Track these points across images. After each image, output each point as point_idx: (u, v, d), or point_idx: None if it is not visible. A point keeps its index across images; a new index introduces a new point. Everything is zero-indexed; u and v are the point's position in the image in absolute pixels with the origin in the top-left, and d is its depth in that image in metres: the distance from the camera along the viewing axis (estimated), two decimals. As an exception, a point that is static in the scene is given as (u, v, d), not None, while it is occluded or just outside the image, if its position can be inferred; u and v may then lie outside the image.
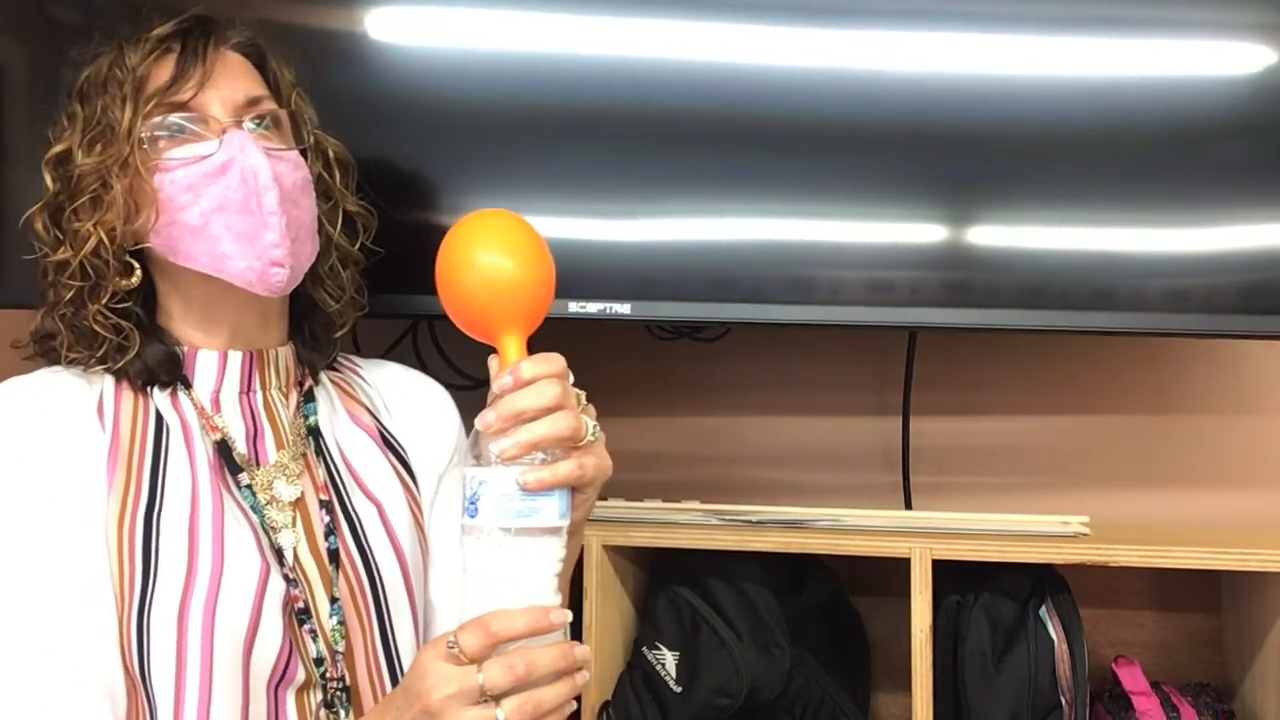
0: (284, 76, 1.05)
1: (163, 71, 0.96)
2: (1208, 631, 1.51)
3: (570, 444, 0.85)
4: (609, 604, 1.38)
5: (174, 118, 0.96)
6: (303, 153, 1.02)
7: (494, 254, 0.89)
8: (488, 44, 1.33)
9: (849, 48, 1.30)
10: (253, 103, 0.99)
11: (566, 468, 0.84)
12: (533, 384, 0.85)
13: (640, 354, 1.61)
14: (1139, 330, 1.31)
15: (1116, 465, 1.55)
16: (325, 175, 1.05)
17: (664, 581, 1.42)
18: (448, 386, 1.52)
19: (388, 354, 1.56)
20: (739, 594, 1.38)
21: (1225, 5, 1.27)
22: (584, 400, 0.89)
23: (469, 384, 1.53)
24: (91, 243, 0.94)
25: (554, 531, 0.84)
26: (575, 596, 1.34)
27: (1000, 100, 1.28)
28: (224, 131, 0.95)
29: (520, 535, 0.83)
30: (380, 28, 1.34)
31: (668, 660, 1.38)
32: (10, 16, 1.37)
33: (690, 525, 1.39)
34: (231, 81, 0.98)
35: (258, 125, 0.98)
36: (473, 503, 0.84)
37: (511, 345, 0.88)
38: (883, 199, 1.30)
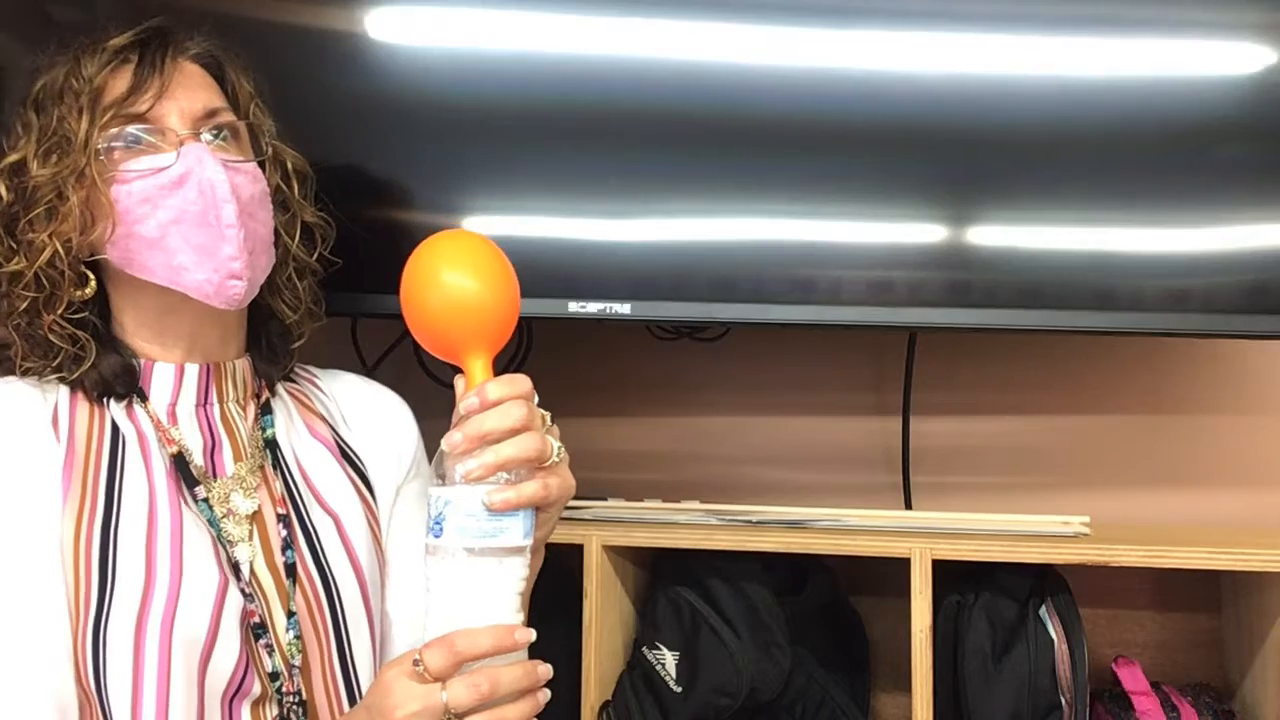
0: (242, 87, 1.03)
1: (119, 82, 0.95)
2: (1208, 631, 1.51)
3: (536, 464, 0.86)
4: (609, 604, 1.38)
5: (131, 129, 0.95)
6: (261, 164, 1.01)
7: (459, 274, 0.88)
8: (488, 44, 1.33)
9: (849, 48, 1.30)
10: (210, 114, 0.98)
11: (531, 488, 0.84)
12: (499, 405, 0.85)
13: (640, 354, 1.61)
14: (1139, 330, 1.31)
15: (1116, 465, 1.55)
16: (283, 186, 1.03)
17: (664, 581, 1.42)
18: (448, 386, 1.53)
19: (387, 355, 1.56)
20: (739, 594, 1.38)
21: (1225, 5, 1.27)
22: (549, 420, 0.89)
23: (469, 384, 1.53)
24: (47, 253, 0.93)
25: (518, 551, 0.85)
26: (575, 596, 1.34)
27: (1000, 100, 1.28)
28: (181, 143, 0.95)
29: (485, 555, 0.83)
30: (380, 28, 1.34)
31: (668, 660, 1.38)
32: (10, 16, 1.37)
33: (690, 525, 1.39)
34: (189, 93, 0.97)
35: (215, 137, 0.97)
36: (438, 523, 0.84)
37: (477, 366, 0.88)
38: (883, 199, 1.30)
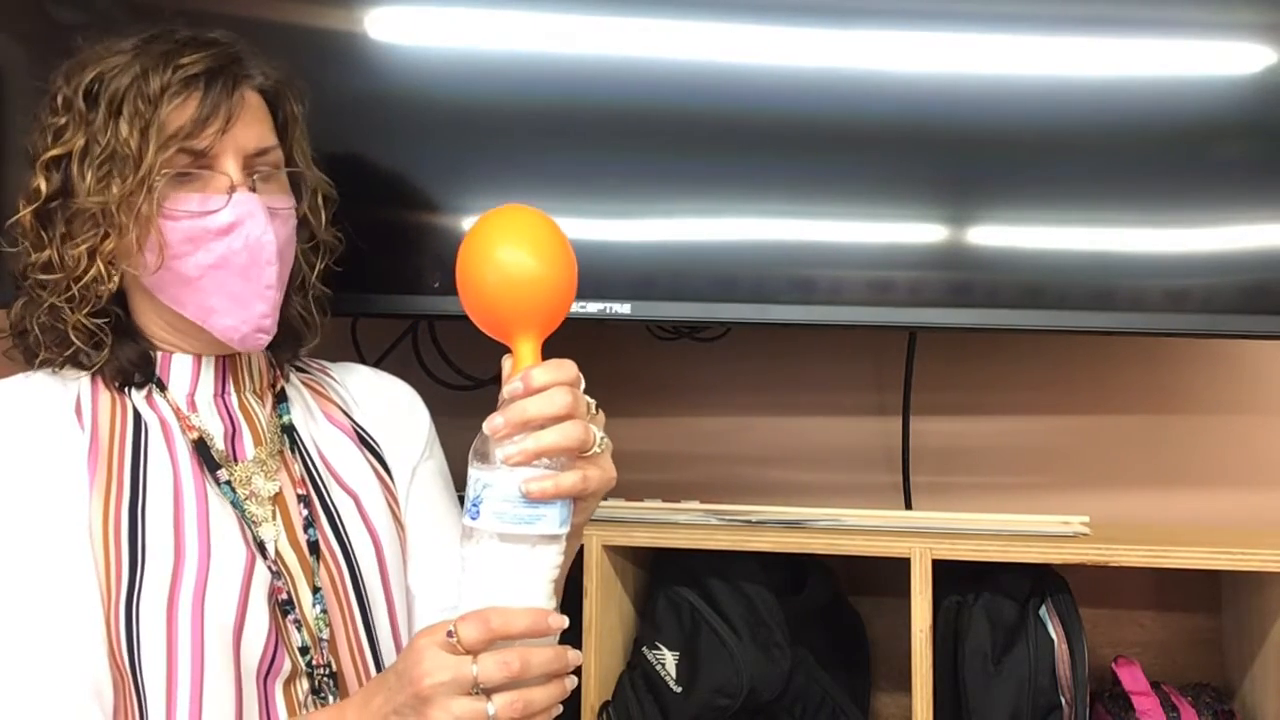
0: (293, 116, 1.03)
1: (184, 111, 0.93)
2: (1208, 631, 1.51)
3: (577, 453, 0.85)
4: (609, 604, 1.38)
5: (187, 163, 0.94)
6: (297, 194, 1.03)
7: (515, 251, 0.87)
8: (488, 44, 1.33)
9: (849, 48, 1.30)
10: (262, 152, 0.98)
11: (570, 479, 0.84)
12: (544, 391, 0.84)
13: (640, 354, 1.61)
14: (1139, 330, 1.31)
15: (1116, 465, 1.55)
16: (310, 217, 1.04)
17: (664, 581, 1.42)
18: (448, 386, 1.53)
19: (388, 354, 1.56)
20: (739, 594, 1.38)
21: (1225, 5, 1.27)
22: (594, 409, 0.88)
23: (469, 384, 1.53)
24: (86, 268, 0.94)
25: (553, 539, 0.84)
26: (575, 596, 1.34)
27: (1000, 100, 1.28)
28: (233, 189, 0.94)
29: (519, 541, 0.83)
30: (380, 28, 1.34)
31: (668, 660, 1.38)
32: (10, 16, 1.37)
33: (690, 525, 1.39)
34: (246, 128, 0.97)
35: (263, 178, 0.97)
36: (475, 505, 0.84)
37: (526, 348, 0.87)
38: (883, 199, 1.30)
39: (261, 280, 0.96)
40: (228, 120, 0.94)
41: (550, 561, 0.85)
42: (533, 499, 0.82)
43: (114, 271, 0.95)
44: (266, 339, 0.98)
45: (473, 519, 0.84)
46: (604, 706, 1.39)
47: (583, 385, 0.87)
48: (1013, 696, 1.32)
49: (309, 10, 1.34)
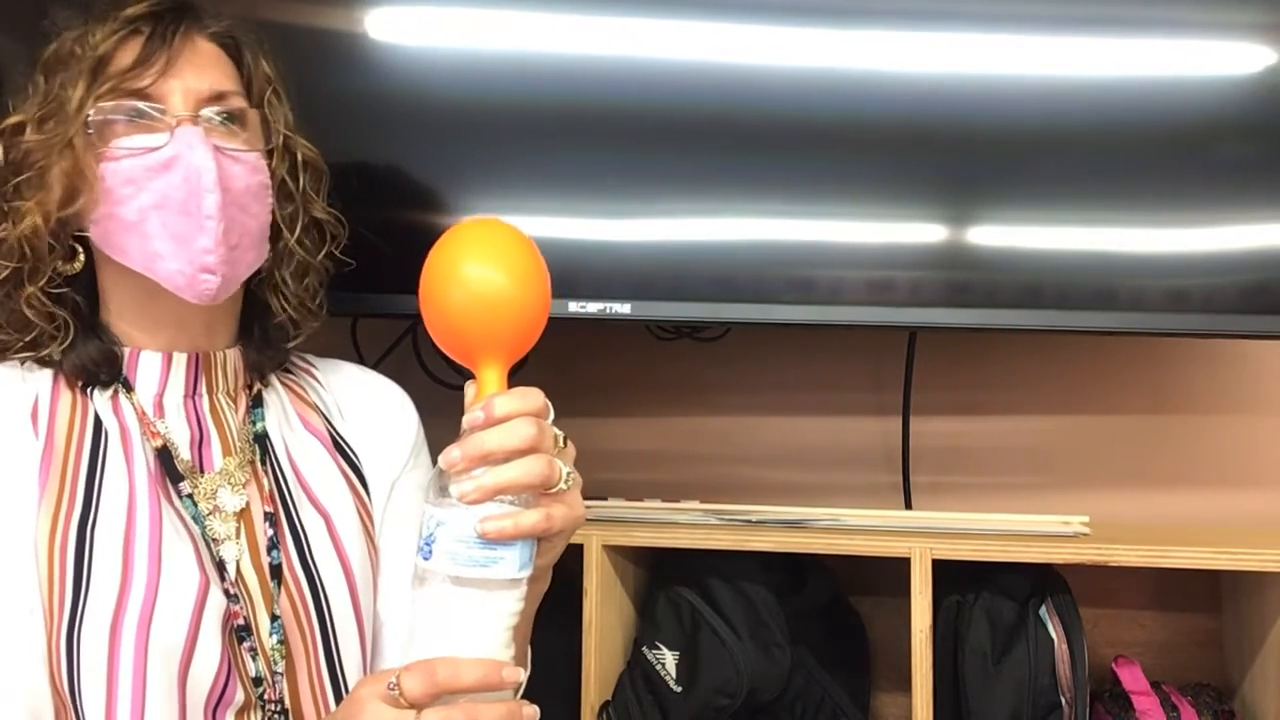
0: (259, 72, 0.98)
1: (126, 54, 0.91)
2: (1208, 631, 1.51)
3: (540, 490, 0.78)
4: (609, 604, 1.38)
5: (129, 103, 0.90)
6: (270, 153, 0.97)
7: (483, 268, 0.81)
8: (488, 44, 1.33)
9: (849, 48, 1.30)
10: (217, 97, 0.93)
11: (531, 519, 0.77)
12: (506, 422, 0.77)
13: (640, 354, 1.61)
14: (1139, 330, 1.31)
15: (1116, 465, 1.55)
16: (288, 180, 0.98)
17: (664, 581, 1.42)
18: (448, 386, 1.53)
19: (388, 354, 1.56)
20: (739, 594, 1.38)
21: (1225, 5, 1.27)
22: (562, 441, 0.81)
23: (469, 384, 1.53)
24: (28, 222, 0.89)
25: (512, 584, 0.78)
26: (575, 596, 1.34)
27: (1000, 100, 1.28)
28: (177, 124, 0.90)
29: (472, 586, 0.76)
30: (380, 28, 1.34)
31: (668, 660, 1.38)
32: (10, 16, 1.37)
33: (690, 525, 1.39)
34: (198, 72, 0.92)
35: (220, 121, 0.93)
36: (427, 544, 0.77)
37: (490, 376, 0.80)
38: (883, 199, 1.30)
39: (201, 211, 0.88)
40: (170, 59, 0.91)
41: (508, 609, 0.78)
42: (490, 539, 0.76)
43: (51, 222, 0.90)
44: (213, 281, 0.90)
45: (425, 559, 0.77)
46: (604, 706, 1.39)
47: (551, 416, 0.81)
48: (1013, 696, 1.32)
49: (309, 10, 1.34)
